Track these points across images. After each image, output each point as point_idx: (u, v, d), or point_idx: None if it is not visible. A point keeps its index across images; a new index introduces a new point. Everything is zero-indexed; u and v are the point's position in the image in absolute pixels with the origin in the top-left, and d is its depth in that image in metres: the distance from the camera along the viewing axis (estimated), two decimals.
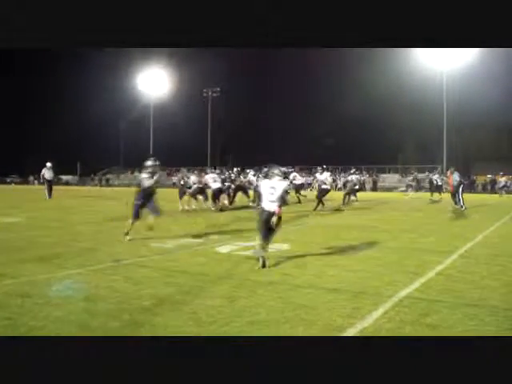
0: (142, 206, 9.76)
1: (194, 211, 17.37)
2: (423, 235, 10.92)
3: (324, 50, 54.96)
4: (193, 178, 17.89)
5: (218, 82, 68.16)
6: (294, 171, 25.82)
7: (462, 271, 6.99)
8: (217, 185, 17.78)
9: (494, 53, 46.87)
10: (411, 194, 34.28)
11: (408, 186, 38.29)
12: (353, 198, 20.52)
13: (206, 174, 18.91)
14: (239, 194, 20.61)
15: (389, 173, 55.51)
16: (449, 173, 20.41)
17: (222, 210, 17.57)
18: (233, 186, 19.94)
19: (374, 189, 46.87)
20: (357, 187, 16.24)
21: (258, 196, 19.22)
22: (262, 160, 55.30)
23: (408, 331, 4.28)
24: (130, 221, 9.71)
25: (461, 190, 18.42)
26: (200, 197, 17.93)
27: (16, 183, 67.98)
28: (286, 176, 8.59)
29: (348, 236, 10.80)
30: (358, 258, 7.98)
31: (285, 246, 8.99)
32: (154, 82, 67.35)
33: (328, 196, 18.75)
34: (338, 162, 53.11)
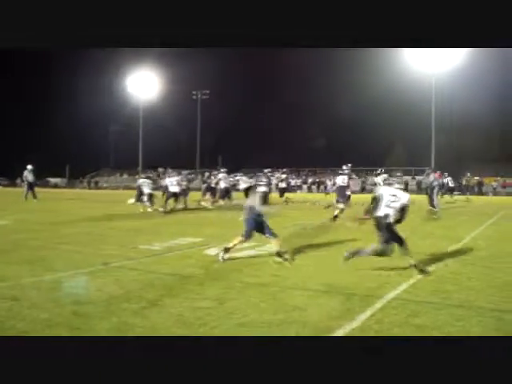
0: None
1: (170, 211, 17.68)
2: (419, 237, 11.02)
3: (314, 51, 55.11)
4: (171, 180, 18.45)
5: (207, 83, 68.06)
6: (239, 175, 25.13)
7: (450, 272, 7.05)
8: (174, 188, 18.08)
9: (483, 55, 47.21)
10: None
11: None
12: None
13: (169, 176, 19.17)
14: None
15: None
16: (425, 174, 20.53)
17: (168, 211, 17.70)
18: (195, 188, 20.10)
19: (363, 190, 47.05)
20: (348, 193, 15.69)
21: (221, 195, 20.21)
22: (252, 161, 55.39)
23: (396, 332, 4.31)
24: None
25: (436, 192, 18.35)
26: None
27: (4, 186, 67.35)
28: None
29: (337, 238, 10.84)
30: (347, 260, 8.00)
31: (274, 248, 9.01)
32: (143, 83, 67.15)
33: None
34: (328, 163, 53.23)
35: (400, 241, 6.93)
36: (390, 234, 6.90)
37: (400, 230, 7.14)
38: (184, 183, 19.65)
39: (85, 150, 73.91)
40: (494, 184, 47.19)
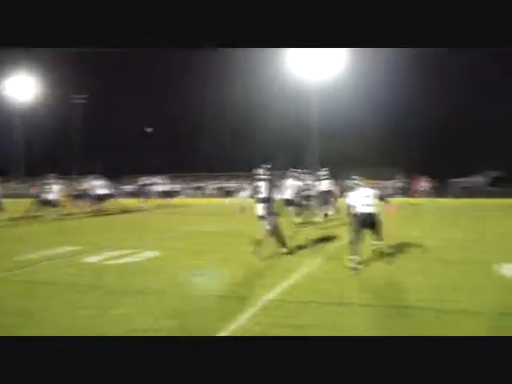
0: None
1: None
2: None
3: (199, 54, 54.71)
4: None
5: (86, 87, 64.97)
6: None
7: (326, 272, 7.42)
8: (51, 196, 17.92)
9: (363, 63, 49.60)
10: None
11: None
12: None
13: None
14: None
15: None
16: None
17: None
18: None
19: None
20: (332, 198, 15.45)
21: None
22: (133, 166, 53.55)
23: (276, 333, 4.49)
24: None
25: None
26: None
27: None
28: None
29: (219, 241, 11.10)
30: (228, 262, 8.25)
31: (150, 254, 9.12)
32: (22, 87, 63.13)
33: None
34: (210, 169, 53.29)
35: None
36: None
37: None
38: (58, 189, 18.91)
39: None
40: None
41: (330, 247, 9.94)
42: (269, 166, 9.46)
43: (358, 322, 4.87)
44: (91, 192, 21.12)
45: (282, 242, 8.94)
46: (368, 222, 7.95)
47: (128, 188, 39.18)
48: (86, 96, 65.41)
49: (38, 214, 17.53)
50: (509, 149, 56.44)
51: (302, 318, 4.98)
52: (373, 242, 8.36)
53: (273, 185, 9.34)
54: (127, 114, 66.38)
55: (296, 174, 15.93)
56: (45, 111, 64.11)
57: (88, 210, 20.66)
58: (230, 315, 5.04)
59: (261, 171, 9.31)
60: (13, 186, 48.78)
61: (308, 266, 7.89)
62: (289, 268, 7.61)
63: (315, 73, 49.60)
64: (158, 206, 25.44)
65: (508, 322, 4.88)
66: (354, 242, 7.82)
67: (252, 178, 9.72)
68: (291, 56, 49.73)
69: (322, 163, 50.58)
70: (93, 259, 8.53)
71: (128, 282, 6.79)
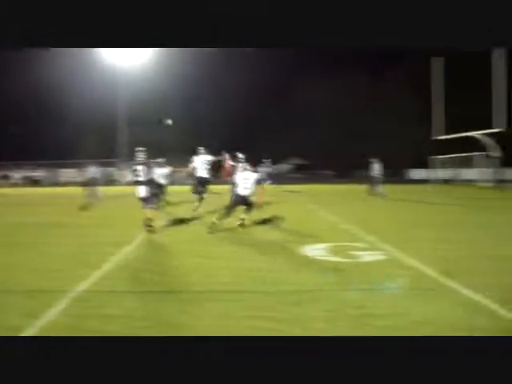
0: None
1: None
2: (102, 226, 11.04)
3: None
4: None
5: None
6: None
7: (140, 260, 7.25)
8: None
9: (168, 52, 49.61)
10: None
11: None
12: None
13: None
14: None
15: (69, 168, 53.71)
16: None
17: None
18: None
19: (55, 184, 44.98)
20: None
21: None
22: None
23: (90, 325, 4.20)
24: None
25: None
26: None
27: None
28: None
29: (35, 233, 10.33)
30: (40, 253, 7.69)
31: None
32: None
33: None
34: (17, 157, 48.70)
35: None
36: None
37: None
38: None
39: None
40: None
41: (140, 235, 9.70)
42: (145, 150, 10.14)
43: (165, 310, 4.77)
44: None
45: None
46: (243, 202, 10.19)
47: None
48: None
49: None
50: (310, 138, 61.97)
51: (114, 309, 4.72)
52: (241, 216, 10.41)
53: (151, 168, 10.24)
54: None
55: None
56: None
57: None
58: (38, 310, 4.58)
59: (140, 155, 10.05)
60: None
61: (124, 254, 7.64)
62: (103, 257, 7.26)
63: (123, 61, 48.17)
64: None
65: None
66: (226, 214, 10.09)
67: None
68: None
69: (131, 150, 49.95)
70: None
71: None
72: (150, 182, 10.04)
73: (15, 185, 41.82)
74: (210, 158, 14.00)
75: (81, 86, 55.69)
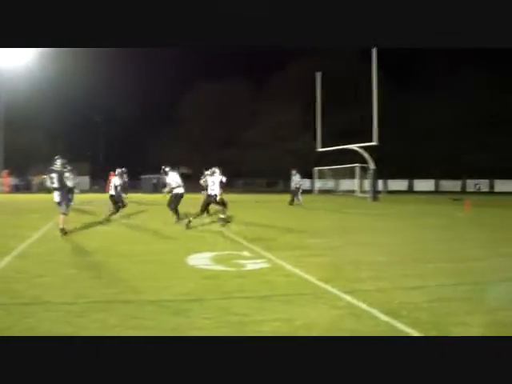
0: None
1: None
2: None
3: None
4: None
5: None
6: None
7: (19, 271, 6.87)
8: None
9: (49, 54, 47.34)
10: None
11: None
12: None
13: None
14: None
15: None
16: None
17: None
18: None
19: None
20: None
21: None
22: None
23: None
24: None
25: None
26: None
27: None
28: None
29: None
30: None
31: None
32: None
33: None
34: None
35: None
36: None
37: None
38: None
39: None
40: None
41: (20, 245, 9.20)
42: (64, 160, 11.04)
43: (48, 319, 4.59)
44: None
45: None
46: (212, 200, 13.08)
47: None
48: None
49: None
50: (193, 147, 61.91)
51: None
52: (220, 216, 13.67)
53: (66, 175, 10.85)
54: None
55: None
56: None
57: None
58: None
59: (57, 163, 10.94)
60: None
61: None
62: None
63: (2, 62, 45.00)
64: None
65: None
66: (201, 212, 13.28)
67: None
68: None
69: (7, 157, 46.85)
70: None
71: None
72: (63, 188, 10.87)
73: None
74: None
75: None
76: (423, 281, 6.45)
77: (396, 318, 4.65)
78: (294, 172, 23.78)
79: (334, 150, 36.20)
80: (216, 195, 12.87)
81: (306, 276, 6.62)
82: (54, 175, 10.85)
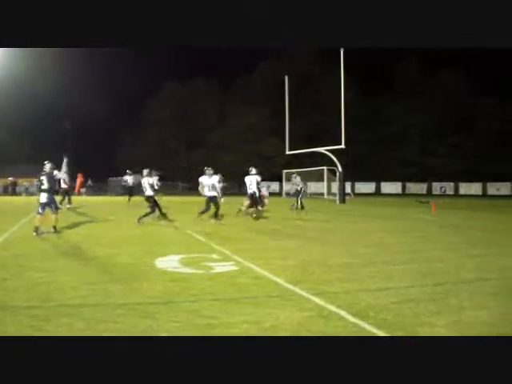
0: None
1: None
2: None
3: None
4: None
5: None
6: None
7: None
8: None
9: (15, 52, 46.47)
10: None
11: None
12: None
13: None
14: None
15: None
16: None
17: None
18: None
19: None
20: None
21: None
22: None
23: None
24: None
25: None
26: None
27: None
28: None
29: None
30: None
31: None
32: None
33: None
34: None
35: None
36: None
37: None
38: None
39: None
40: (27, 184, 47.59)
41: None
42: (52, 165, 11.81)
43: (13, 323, 4.49)
44: None
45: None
46: (211, 201, 14.93)
47: None
48: None
49: None
50: (163, 148, 61.44)
51: None
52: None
53: (54, 178, 11.76)
54: None
55: None
56: None
57: None
58: None
59: (46, 167, 11.72)
60: None
61: None
62: None
63: None
64: None
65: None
66: (203, 211, 15.01)
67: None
68: None
69: None
70: None
71: None
72: (51, 190, 11.72)
73: None
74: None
75: None
76: (391, 282, 6.53)
77: (363, 319, 4.70)
78: (294, 175, 23.22)
79: (302, 153, 36.43)
80: (216, 197, 15.24)
81: (275, 278, 6.64)
82: (43, 178, 11.60)
